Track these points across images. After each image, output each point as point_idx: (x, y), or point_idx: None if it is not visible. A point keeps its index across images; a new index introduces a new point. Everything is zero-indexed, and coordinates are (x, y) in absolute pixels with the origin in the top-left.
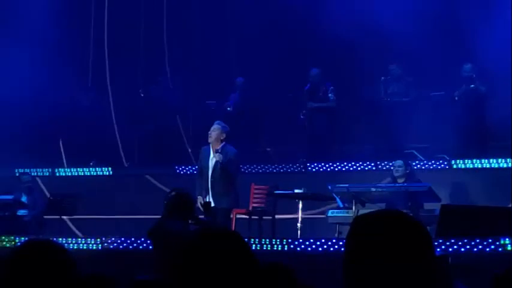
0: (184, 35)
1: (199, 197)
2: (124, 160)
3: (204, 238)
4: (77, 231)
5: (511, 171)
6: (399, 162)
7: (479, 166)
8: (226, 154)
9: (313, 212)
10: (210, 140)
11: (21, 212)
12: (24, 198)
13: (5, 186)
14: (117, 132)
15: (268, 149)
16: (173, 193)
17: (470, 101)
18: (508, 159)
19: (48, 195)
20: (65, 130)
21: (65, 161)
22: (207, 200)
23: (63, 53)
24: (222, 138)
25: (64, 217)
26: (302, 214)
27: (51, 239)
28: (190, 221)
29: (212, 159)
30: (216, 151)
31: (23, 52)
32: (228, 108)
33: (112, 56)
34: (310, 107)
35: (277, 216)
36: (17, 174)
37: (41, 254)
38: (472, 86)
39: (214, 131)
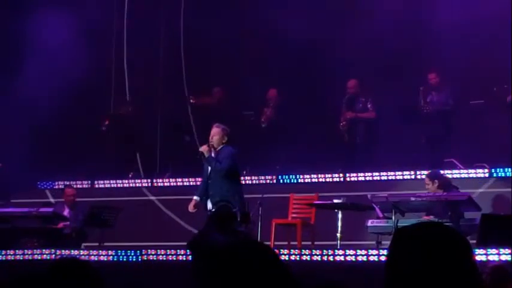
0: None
1: (195, 198)
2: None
3: (237, 252)
4: None
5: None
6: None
7: None
8: (223, 153)
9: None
10: (211, 143)
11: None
12: (66, 211)
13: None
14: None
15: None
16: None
17: None
18: None
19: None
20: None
21: (141, 169)
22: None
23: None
24: (224, 141)
25: None
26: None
27: (83, 253)
28: (229, 233)
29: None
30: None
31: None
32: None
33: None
34: (350, 117)
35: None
36: (61, 187)
37: (67, 272)
38: None
39: (216, 135)
